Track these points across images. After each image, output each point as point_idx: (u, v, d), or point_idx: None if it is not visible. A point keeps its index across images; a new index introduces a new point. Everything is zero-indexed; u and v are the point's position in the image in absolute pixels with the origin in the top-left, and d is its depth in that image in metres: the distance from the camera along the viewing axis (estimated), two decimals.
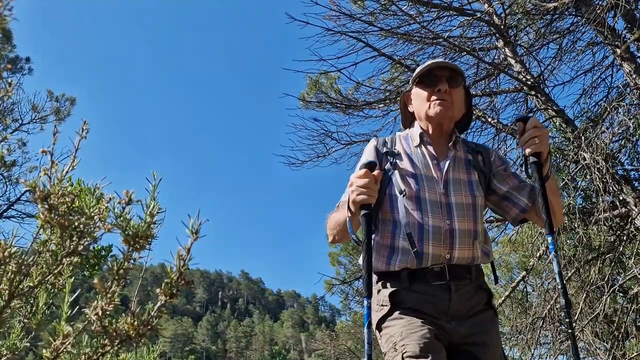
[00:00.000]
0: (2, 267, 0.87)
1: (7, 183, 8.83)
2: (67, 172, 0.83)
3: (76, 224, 0.82)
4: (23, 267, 0.88)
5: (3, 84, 0.64)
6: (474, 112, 5.91)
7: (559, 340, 5.74)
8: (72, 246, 0.83)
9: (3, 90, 0.64)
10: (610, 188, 4.75)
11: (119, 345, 0.85)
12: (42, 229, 0.96)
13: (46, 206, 0.80)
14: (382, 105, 6.37)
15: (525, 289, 6.34)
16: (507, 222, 6.23)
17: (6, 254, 0.80)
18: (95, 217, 0.82)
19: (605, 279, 5.13)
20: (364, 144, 6.65)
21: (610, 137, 4.96)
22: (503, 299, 6.31)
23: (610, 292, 5.03)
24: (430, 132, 2.04)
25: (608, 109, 5.15)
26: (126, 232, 0.78)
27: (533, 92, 5.68)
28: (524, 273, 6.11)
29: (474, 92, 6.39)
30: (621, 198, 4.88)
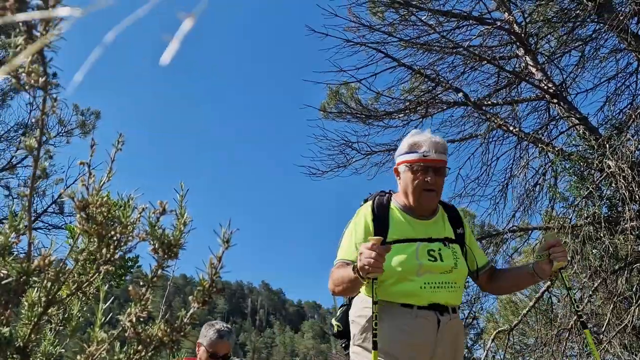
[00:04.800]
0: (41, 275, 0.91)
1: (35, 195, 9.03)
2: (103, 183, 0.86)
3: (112, 233, 0.85)
4: (60, 275, 0.91)
5: (49, 99, 0.67)
6: (496, 121, 5.88)
7: (586, 353, 5.62)
8: (108, 255, 0.86)
9: (49, 105, 0.67)
10: (637, 196, 4.67)
11: (152, 351, 0.88)
12: (77, 238, 1.00)
13: (84, 216, 0.84)
14: (402, 115, 6.38)
15: (550, 300, 6.24)
16: (530, 232, 6.15)
17: (46, 262, 0.84)
18: (131, 226, 0.85)
19: (634, 289, 5.02)
20: (384, 154, 6.66)
21: (636, 145, 4.87)
22: (527, 309, 6.22)
23: (638, 302, 4.92)
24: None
25: (633, 116, 5.08)
26: (161, 241, 0.81)
27: (555, 100, 5.63)
28: (548, 283, 6.01)
29: (494, 101, 6.36)
30: None
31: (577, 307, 2.36)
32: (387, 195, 2.41)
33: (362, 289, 2.30)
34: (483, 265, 2.42)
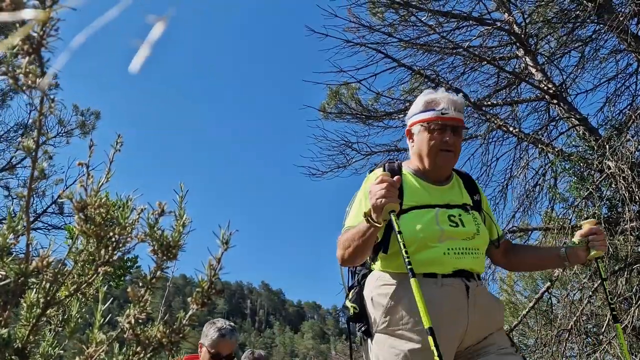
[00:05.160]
0: (39, 276, 0.90)
1: (34, 195, 9.03)
2: (102, 184, 0.86)
3: (111, 234, 0.85)
4: (59, 276, 0.91)
5: (47, 100, 0.67)
6: (495, 122, 5.88)
7: (586, 353, 5.62)
8: (107, 256, 0.86)
9: (46, 106, 0.67)
10: (637, 197, 4.67)
11: (151, 353, 0.88)
12: (76, 239, 1.00)
13: (82, 217, 0.83)
14: (402, 115, 6.38)
15: (550, 300, 6.23)
16: (530, 233, 6.15)
17: (44, 263, 0.83)
18: (129, 227, 0.85)
19: (634, 290, 5.02)
20: (384, 154, 6.65)
21: (636, 146, 4.87)
22: (527, 310, 6.21)
23: (638, 303, 4.92)
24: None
25: (633, 117, 5.08)
26: (160, 242, 0.81)
27: (555, 101, 5.63)
28: (548, 284, 6.01)
29: (494, 102, 6.36)
30: None
31: (611, 299, 2.24)
32: (397, 162, 2.24)
33: (376, 265, 2.10)
34: (501, 235, 2.25)
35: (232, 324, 3.28)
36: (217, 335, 3.12)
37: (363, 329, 2.07)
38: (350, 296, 2.17)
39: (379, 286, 2.02)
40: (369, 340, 2.04)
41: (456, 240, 1.99)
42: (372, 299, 2.02)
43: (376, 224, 1.80)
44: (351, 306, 2.11)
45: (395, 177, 1.81)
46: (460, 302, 1.95)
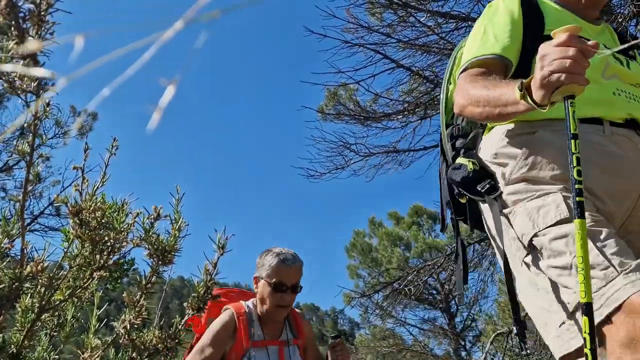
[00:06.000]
0: (34, 281, 0.89)
1: (31, 197, 9.02)
2: (97, 188, 0.85)
3: (106, 238, 0.84)
4: (54, 281, 0.90)
5: (42, 105, 0.66)
6: None
7: None
8: (102, 261, 0.85)
9: (41, 110, 0.66)
10: None
11: (147, 359, 0.87)
12: (71, 243, 0.99)
13: (77, 221, 0.83)
14: (400, 116, 6.38)
15: None
16: None
17: (39, 268, 0.82)
18: (124, 232, 0.84)
19: None
20: (383, 155, 6.64)
21: None
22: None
23: None
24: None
25: None
26: (155, 247, 0.80)
27: None
28: None
29: None
30: None
31: None
32: None
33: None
34: None
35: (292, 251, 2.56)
36: (276, 261, 2.43)
37: (487, 186, 1.48)
38: (463, 154, 1.61)
39: (507, 139, 1.48)
40: (495, 202, 1.47)
41: (624, 83, 1.46)
42: (495, 155, 1.50)
43: (534, 106, 1.19)
44: (469, 161, 1.53)
45: (591, 42, 1.15)
46: (636, 162, 1.38)
